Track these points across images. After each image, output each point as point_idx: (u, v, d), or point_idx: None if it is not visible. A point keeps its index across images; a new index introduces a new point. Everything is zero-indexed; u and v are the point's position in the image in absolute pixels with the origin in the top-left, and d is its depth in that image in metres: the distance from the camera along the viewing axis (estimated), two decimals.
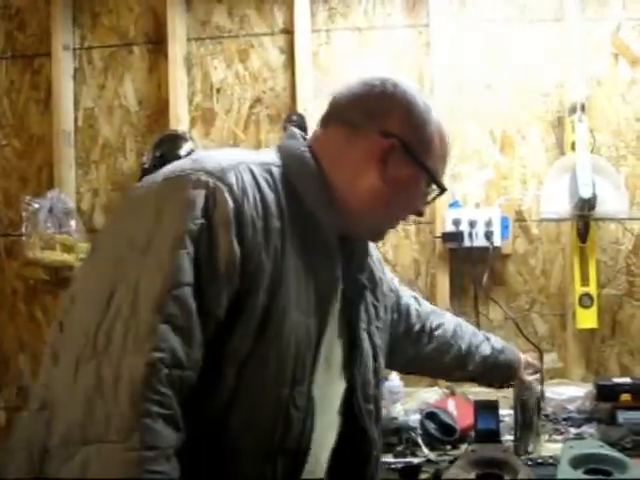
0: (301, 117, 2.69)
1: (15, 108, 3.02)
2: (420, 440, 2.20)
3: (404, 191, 1.39)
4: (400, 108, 1.36)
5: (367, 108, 1.37)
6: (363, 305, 1.51)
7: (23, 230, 2.77)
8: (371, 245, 1.56)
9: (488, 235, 2.65)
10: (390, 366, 1.78)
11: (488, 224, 2.66)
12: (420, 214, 1.48)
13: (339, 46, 2.84)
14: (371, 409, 1.51)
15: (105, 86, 2.98)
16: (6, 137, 3.03)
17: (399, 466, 2.09)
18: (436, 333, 1.86)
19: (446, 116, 2.71)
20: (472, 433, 2.16)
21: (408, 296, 1.87)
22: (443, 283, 2.72)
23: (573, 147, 2.60)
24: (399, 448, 2.19)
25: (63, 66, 2.95)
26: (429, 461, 2.10)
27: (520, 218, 2.75)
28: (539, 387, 2.12)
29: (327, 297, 1.36)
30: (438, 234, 2.72)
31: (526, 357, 2.08)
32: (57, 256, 2.75)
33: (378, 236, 1.51)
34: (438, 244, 2.73)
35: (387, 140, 1.34)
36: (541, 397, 2.21)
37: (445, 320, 1.92)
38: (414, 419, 2.29)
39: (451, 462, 2.03)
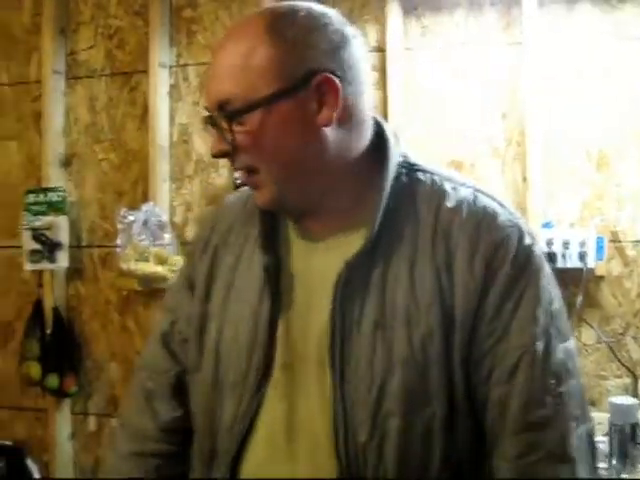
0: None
1: (113, 123, 3.11)
2: None
3: None
4: None
5: None
6: (368, 291, 1.16)
7: (118, 242, 2.86)
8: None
9: (582, 256, 2.60)
10: None
11: (582, 245, 2.61)
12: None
13: (426, 64, 2.83)
14: (368, 443, 1.09)
15: (199, 103, 3.01)
16: (104, 151, 3.11)
17: None
18: None
19: (541, 136, 2.69)
20: None
21: None
22: None
23: None
24: None
25: (159, 83, 3.01)
26: None
27: (615, 239, 2.68)
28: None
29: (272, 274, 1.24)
30: None
31: None
32: (150, 268, 2.81)
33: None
34: None
35: None
36: (637, 424, 2.15)
37: None
38: None
39: None
